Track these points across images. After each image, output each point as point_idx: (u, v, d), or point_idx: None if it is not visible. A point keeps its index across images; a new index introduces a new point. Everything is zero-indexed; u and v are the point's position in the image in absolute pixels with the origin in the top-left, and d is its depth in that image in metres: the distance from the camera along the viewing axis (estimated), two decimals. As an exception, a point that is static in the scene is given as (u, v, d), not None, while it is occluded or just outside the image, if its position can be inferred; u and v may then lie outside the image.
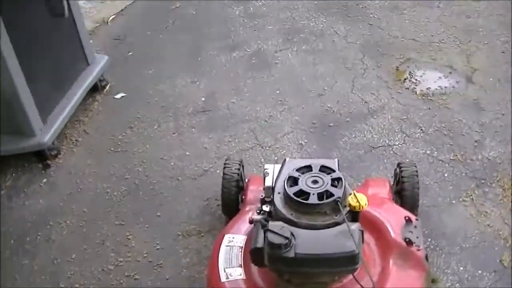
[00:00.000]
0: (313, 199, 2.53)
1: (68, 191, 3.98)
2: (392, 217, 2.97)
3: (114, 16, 5.94)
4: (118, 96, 4.79)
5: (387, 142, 4.13)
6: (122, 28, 5.75)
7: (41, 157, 4.17)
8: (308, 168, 2.70)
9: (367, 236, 2.87)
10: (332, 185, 2.59)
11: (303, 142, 4.17)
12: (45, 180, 4.08)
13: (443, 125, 4.23)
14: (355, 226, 2.46)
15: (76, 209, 3.85)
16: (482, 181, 3.79)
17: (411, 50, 5.03)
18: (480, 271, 3.24)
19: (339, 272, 2.55)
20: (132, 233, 3.65)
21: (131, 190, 3.94)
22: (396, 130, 4.21)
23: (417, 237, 2.86)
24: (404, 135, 4.17)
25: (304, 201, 2.52)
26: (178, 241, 3.56)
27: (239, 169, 3.47)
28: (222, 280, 2.81)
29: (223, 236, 3.00)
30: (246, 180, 3.46)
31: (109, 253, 3.53)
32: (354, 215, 2.56)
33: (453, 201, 3.67)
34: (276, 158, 4.02)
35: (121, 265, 3.45)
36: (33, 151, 4.12)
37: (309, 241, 2.43)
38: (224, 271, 2.86)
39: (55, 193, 3.98)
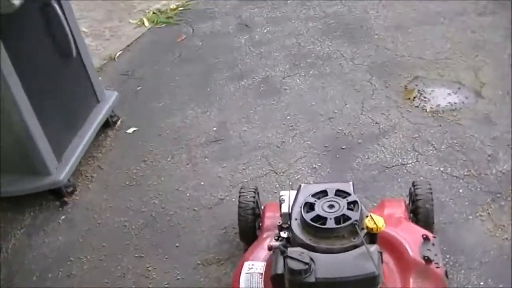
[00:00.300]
0: (330, 224, 2.55)
1: (86, 227, 4.01)
2: (410, 236, 2.99)
3: (120, 52, 5.98)
4: (130, 130, 4.81)
5: (400, 161, 4.13)
6: (130, 63, 5.79)
7: (58, 194, 4.19)
8: (324, 193, 2.73)
9: (385, 256, 2.88)
10: (349, 208, 2.61)
11: (316, 166, 4.19)
12: (63, 217, 4.11)
13: (455, 141, 4.24)
14: (373, 248, 2.48)
15: (95, 244, 3.87)
16: (498, 195, 3.78)
17: (418, 68, 5.05)
18: (501, 285, 3.24)
19: (361, 294, 2.57)
20: (152, 264, 3.66)
21: (148, 222, 3.96)
22: (409, 149, 4.22)
23: (436, 255, 2.87)
24: (417, 153, 4.18)
25: (321, 226, 2.55)
26: (198, 270, 3.57)
27: (254, 197, 3.48)
28: (245, 307, 2.85)
29: (243, 263, 3.02)
30: (262, 207, 3.49)
31: (131, 286, 3.55)
32: (372, 237, 2.58)
33: (470, 217, 3.66)
34: (290, 183, 4.03)
35: (142, 297, 3.48)
36: (49, 190, 4.14)
37: (328, 265, 2.44)
38: (246, 298, 2.89)
39: (74, 229, 4.01)
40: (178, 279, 3.55)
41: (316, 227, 2.55)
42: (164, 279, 3.56)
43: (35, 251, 3.89)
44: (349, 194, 2.70)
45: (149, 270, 3.63)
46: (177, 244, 3.77)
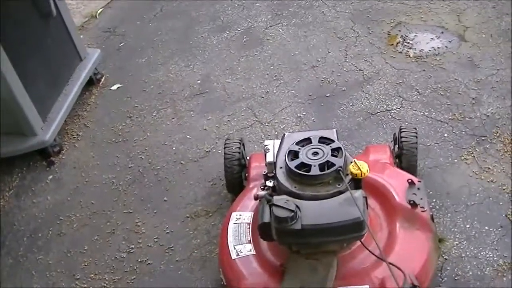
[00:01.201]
0: (314, 171, 2.57)
1: (74, 185, 4.03)
2: (395, 181, 3.03)
3: (102, 9, 5.95)
4: (114, 87, 4.82)
5: (384, 107, 4.15)
6: (111, 20, 5.76)
7: (45, 154, 4.21)
8: (308, 140, 2.76)
9: (371, 201, 2.92)
10: (333, 155, 2.63)
11: (301, 115, 4.20)
12: (50, 176, 4.13)
13: (439, 85, 4.25)
14: (358, 193, 2.51)
15: (84, 202, 3.90)
16: (483, 138, 3.82)
17: (401, 13, 5.04)
18: (486, 227, 3.29)
19: (347, 240, 2.60)
20: (141, 219, 3.70)
21: (136, 178, 3.99)
22: (393, 95, 4.24)
23: (421, 199, 2.91)
24: (401, 98, 4.19)
25: (306, 173, 2.57)
26: (187, 223, 3.61)
27: (239, 148, 3.51)
28: (233, 257, 2.88)
29: (230, 214, 3.06)
30: (248, 158, 3.50)
31: (121, 241, 3.59)
32: (357, 182, 2.61)
33: (455, 160, 3.70)
34: (276, 133, 4.05)
35: (133, 251, 3.51)
36: (36, 150, 4.15)
37: (314, 212, 2.47)
38: (234, 248, 2.92)
39: (62, 189, 4.03)
40: (167, 232, 3.58)
41: (301, 175, 2.57)
42: (153, 234, 3.59)
43: (24, 212, 3.91)
44: (332, 141, 2.72)
45: (138, 225, 3.66)
46: (165, 198, 3.80)
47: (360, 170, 2.53)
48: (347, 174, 2.57)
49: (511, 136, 3.79)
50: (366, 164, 2.56)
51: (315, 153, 2.66)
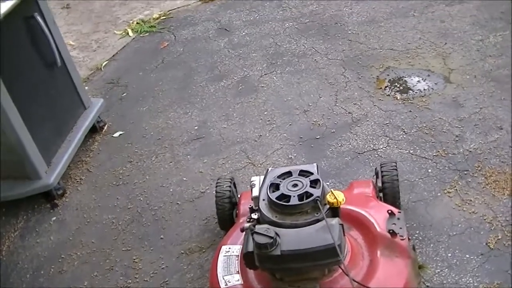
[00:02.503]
0: (294, 201, 2.72)
1: (76, 226, 4.21)
2: (376, 213, 3.15)
3: (106, 62, 6.18)
4: (116, 134, 5.02)
5: (371, 147, 4.31)
6: (115, 72, 5.99)
7: (49, 197, 4.40)
8: (288, 174, 2.91)
9: (355, 233, 3.07)
10: (311, 186, 2.78)
11: (292, 156, 4.37)
12: (54, 218, 4.31)
13: (424, 124, 4.41)
14: (334, 221, 2.66)
15: (85, 241, 4.07)
16: (465, 172, 3.96)
17: (390, 59, 5.23)
18: (467, 255, 3.41)
19: (324, 265, 2.73)
20: (138, 256, 3.86)
21: (134, 218, 4.16)
22: (380, 135, 4.40)
23: (401, 228, 3.03)
24: (388, 138, 4.36)
25: (285, 203, 2.72)
26: (182, 258, 3.76)
27: (230, 186, 3.67)
28: (222, 287, 3.01)
29: (221, 247, 3.20)
30: (239, 196, 3.66)
31: (118, 277, 3.75)
32: (334, 211, 2.75)
33: (438, 194, 3.84)
34: (265, 173, 4.22)
35: (130, 286, 3.67)
36: (41, 193, 4.34)
37: (292, 239, 2.62)
38: (223, 278, 3.04)
39: (64, 229, 4.21)
40: (163, 268, 3.74)
41: (281, 205, 2.73)
42: (150, 269, 3.75)
43: (28, 251, 4.09)
44: (311, 174, 2.87)
45: (136, 262, 3.83)
46: (161, 236, 3.97)
47: (336, 199, 2.68)
48: (325, 204, 2.72)
49: (492, 169, 3.94)
50: (342, 194, 2.72)
51: (295, 185, 2.81)
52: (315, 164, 3.03)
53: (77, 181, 4.59)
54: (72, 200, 4.43)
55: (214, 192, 3.82)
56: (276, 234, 2.61)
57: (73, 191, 4.50)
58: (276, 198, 2.76)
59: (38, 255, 4.05)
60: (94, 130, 4.98)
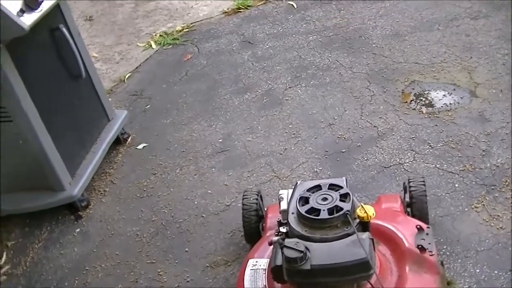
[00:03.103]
0: (323, 215, 2.70)
1: (100, 238, 4.20)
2: (405, 228, 3.13)
3: (130, 74, 6.18)
4: (140, 146, 5.01)
5: (397, 161, 4.28)
6: (139, 84, 5.98)
7: (73, 209, 4.41)
8: (318, 187, 2.89)
9: (383, 248, 3.04)
10: (341, 200, 2.76)
11: (317, 170, 4.34)
12: (78, 230, 4.31)
13: (450, 139, 4.37)
14: (365, 235, 2.64)
15: (109, 253, 4.07)
16: (492, 187, 3.92)
17: (415, 73, 5.19)
18: (496, 271, 3.37)
19: (353, 280, 2.70)
20: (163, 269, 3.85)
21: (159, 230, 4.15)
22: (406, 149, 4.37)
23: (429, 243, 3.01)
24: (414, 152, 4.32)
25: (315, 217, 2.70)
26: (207, 272, 3.75)
27: (256, 199, 3.66)
28: (249, 301, 3.00)
29: (248, 260, 3.18)
30: (265, 209, 3.64)
31: (143, 289, 3.74)
32: (364, 225, 2.73)
33: (466, 209, 3.80)
34: (293, 187, 4.16)
35: (155, 299, 3.65)
36: (64, 204, 4.35)
37: (322, 253, 2.60)
38: (250, 292, 3.05)
39: (88, 241, 4.21)
40: (188, 281, 3.73)
41: (310, 219, 2.71)
42: (174, 282, 3.74)
43: (52, 263, 4.10)
44: (341, 187, 2.85)
45: (160, 275, 3.81)
46: (186, 249, 3.96)
47: (367, 213, 2.66)
48: (355, 218, 2.70)
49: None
50: (372, 208, 2.70)
51: (325, 199, 2.79)
52: (344, 178, 3.01)
53: (101, 193, 4.59)
54: (96, 212, 4.43)
55: (239, 205, 3.81)
56: (306, 248, 2.59)
57: (97, 203, 4.50)
58: (306, 212, 2.74)
59: (62, 267, 4.05)
60: (118, 142, 4.98)
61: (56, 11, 4.20)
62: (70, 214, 4.42)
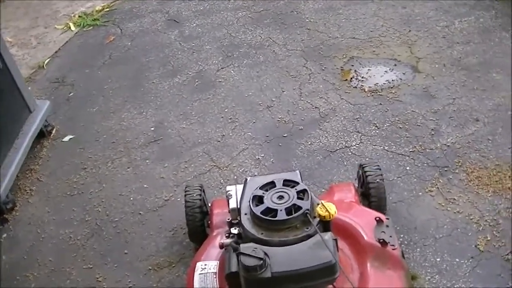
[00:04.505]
0: (281, 215, 2.51)
1: (30, 243, 3.89)
2: (362, 220, 2.97)
3: (49, 59, 5.82)
4: (66, 139, 4.69)
5: (344, 144, 4.12)
6: (59, 70, 5.63)
7: (-3, 212, 4.08)
8: (272, 184, 2.69)
9: (340, 243, 2.84)
10: (299, 197, 2.58)
11: (259, 157, 4.14)
12: (5, 235, 3.98)
13: (397, 118, 4.24)
14: (328, 236, 2.45)
15: (41, 259, 3.76)
16: (445, 169, 3.81)
17: (353, 48, 5.03)
18: (457, 259, 3.27)
19: (319, 285, 2.49)
20: (102, 275, 3.58)
21: (94, 231, 3.86)
22: (351, 131, 4.20)
23: (391, 236, 2.85)
24: (360, 134, 4.16)
25: (272, 219, 2.50)
26: (150, 275, 3.51)
27: (200, 195, 3.43)
28: (201, 310, 2.78)
29: (195, 264, 2.95)
30: (210, 205, 3.42)
31: (82, 299, 3.46)
32: (325, 224, 2.54)
33: (420, 193, 3.68)
34: (235, 177, 3.98)
35: (95, 309, 3.39)
36: (-12, 208, 4.02)
37: (284, 258, 2.40)
38: (201, 299, 2.82)
39: (17, 247, 3.89)
40: (130, 286, 3.48)
41: (267, 220, 2.50)
42: (116, 288, 3.48)
43: (-22, 274, 3.77)
44: (297, 183, 2.66)
45: (100, 281, 3.55)
46: (125, 251, 3.69)
47: (328, 212, 2.47)
48: (315, 217, 2.51)
49: (473, 165, 3.78)
50: (334, 206, 2.50)
51: (281, 197, 2.60)
52: (297, 171, 2.85)
53: (27, 192, 4.26)
54: (23, 214, 4.11)
55: (178, 199, 3.67)
56: (265, 254, 2.38)
57: (23, 204, 4.18)
58: (261, 213, 2.54)
59: (-11, 278, 3.73)
60: (42, 135, 4.66)
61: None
62: (-5, 218, 4.09)
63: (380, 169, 3.36)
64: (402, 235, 3.42)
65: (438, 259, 3.28)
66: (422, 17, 5.22)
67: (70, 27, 6.28)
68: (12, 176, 4.13)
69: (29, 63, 5.82)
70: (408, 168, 3.85)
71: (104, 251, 3.72)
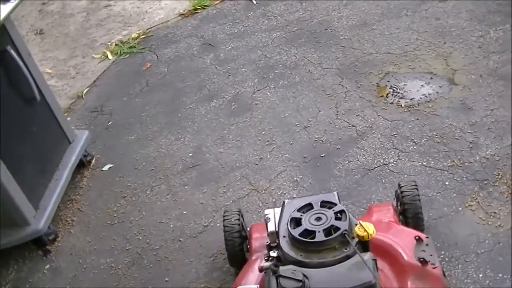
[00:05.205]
0: (319, 237, 2.51)
1: (73, 273, 3.91)
2: (402, 240, 2.94)
3: (87, 88, 5.86)
4: (106, 168, 4.71)
5: (381, 161, 4.07)
6: (98, 99, 5.67)
7: (40, 243, 4.09)
8: (309, 206, 2.70)
9: (380, 263, 2.82)
10: (336, 218, 2.58)
11: (297, 179, 4.11)
12: (47, 266, 4.01)
13: (434, 133, 4.18)
14: (367, 256, 2.45)
15: (84, 290, 3.78)
16: (485, 182, 3.74)
17: (388, 63, 4.98)
18: (500, 274, 3.20)
19: (359, 305, 2.49)
20: (144, 303, 3.58)
21: (135, 260, 3.87)
22: (389, 148, 4.16)
23: (431, 255, 2.82)
24: (398, 150, 4.12)
25: (311, 240, 2.51)
26: (191, 302, 3.49)
27: (238, 219, 3.42)
28: (243, 333, 2.78)
29: (235, 288, 2.94)
30: (248, 229, 3.42)
31: (125, 329, 3.46)
32: (364, 245, 2.55)
33: (460, 208, 3.62)
34: (273, 200, 3.96)
35: None
36: (30, 240, 4.03)
37: (323, 280, 2.41)
38: (243, 323, 2.82)
39: (60, 277, 3.91)
40: (172, 314, 3.46)
41: (305, 242, 2.52)
42: (158, 316, 3.47)
43: (23, 305, 3.79)
44: (335, 204, 2.67)
45: (142, 309, 3.54)
46: (166, 279, 3.69)
47: (367, 231, 2.47)
48: (353, 237, 2.51)
49: (512, 175, 3.72)
50: (372, 225, 2.50)
51: (318, 218, 2.61)
52: (335, 192, 2.85)
53: (69, 223, 4.29)
54: (65, 245, 4.13)
55: (218, 225, 3.66)
56: (304, 276, 2.39)
57: (65, 234, 4.20)
58: (299, 235, 2.56)
59: (34, 309, 3.75)
60: (81, 165, 4.68)
61: (2, 33, 3.91)
62: (38, 249, 4.11)
63: (417, 189, 3.31)
64: (442, 252, 3.36)
65: (480, 275, 3.21)
66: (457, 28, 5.16)
67: (107, 56, 6.32)
68: (54, 208, 4.14)
69: (68, 93, 5.88)
70: (447, 183, 3.79)
71: (145, 279, 3.73)
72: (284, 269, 2.42)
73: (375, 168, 4.04)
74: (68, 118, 5.06)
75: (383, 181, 3.92)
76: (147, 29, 6.60)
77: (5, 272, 4.03)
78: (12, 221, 3.93)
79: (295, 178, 4.13)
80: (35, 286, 3.90)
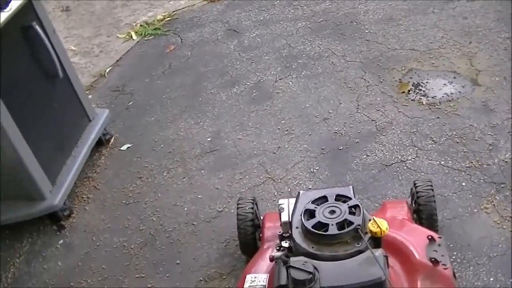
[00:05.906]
0: (332, 230, 2.51)
1: (85, 250, 3.93)
2: (415, 238, 2.92)
3: (110, 67, 5.89)
4: (124, 147, 4.73)
5: (399, 158, 4.06)
6: (120, 78, 5.70)
7: (55, 218, 4.13)
8: (324, 199, 2.70)
9: (391, 260, 2.80)
10: (350, 212, 2.58)
11: (314, 170, 4.11)
12: (61, 241, 4.04)
13: (454, 132, 4.16)
14: (379, 252, 2.43)
15: (95, 267, 3.79)
16: (502, 185, 3.71)
17: (412, 60, 4.96)
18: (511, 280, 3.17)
19: (367, 302, 2.49)
20: (153, 284, 3.59)
21: (147, 241, 3.89)
22: (407, 145, 4.14)
23: (443, 256, 2.79)
24: (416, 148, 4.10)
25: (323, 233, 2.50)
26: (201, 286, 3.50)
27: (252, 208, 3.42)
28: (249, 321, 2.78)
29: (245, 276, 2.92)
30: (262, 218, 3.41)
31: (133, 308, 3.48)
32: (376, 241, 2.53)
33: (475, 210, 3.59)
34: (289, 189, 3.96)
35: (146, 318, 3.40)
36: (46, 214, 4.07)
37: (333, 273, 2.39)
38: (250, 311, 2.82)
39: (73, 253, 3.93)
40: (181, 297, 3.48)
41: (318, 234, 2.51)
42: (167, 299, 3.49)
43: (35, 278, 3.82)
44: (349, 198, 2.67)
45: (151, 290, 3.57)
46: (177, 261, 3.70)
47: (380, 228, 2.45)
48: (366, 233, 2.50)
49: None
50: (386, 222, 2.49)
51: (332, 212, 2.60)
52: (350, 186, 2.84)
53: (84, 200, 4.31)
54: (79, 221, 4.15)
55: (232, 211, 3.66)
56: (315, 268, 2.37)
57: (80, 211, 4.22)
58: (313, 227, 2.54)
59: (45, 283, 3.77)
60: (100, 143, 4.71)
61: (28, 9, 3.92)
62: (52, 224, 4.14)
63: (432, 189, 3.29)
64: (455, 253, 3.34)
65: (491, 279, 3.19)
66: (483, 28, 5.13)
67: (131, 36, 6.35)
68: (70, 184, 4.17)
69: (91, 71, 5.91)
70: (464, 184, 3.76)
71: (157, 261, 3.74)
72: (295, 260, 2.41)
73: (392, 164, 4.02)
74: (90, 96, 5.08)
75: (400, 178, 3.90)
76: (173, 11, 6.63)
77: (19, 245, 4.06)
78: (29, 194, 3.97)
79: (311, 169, 4.12)
80: (48, 260, 3.92)
